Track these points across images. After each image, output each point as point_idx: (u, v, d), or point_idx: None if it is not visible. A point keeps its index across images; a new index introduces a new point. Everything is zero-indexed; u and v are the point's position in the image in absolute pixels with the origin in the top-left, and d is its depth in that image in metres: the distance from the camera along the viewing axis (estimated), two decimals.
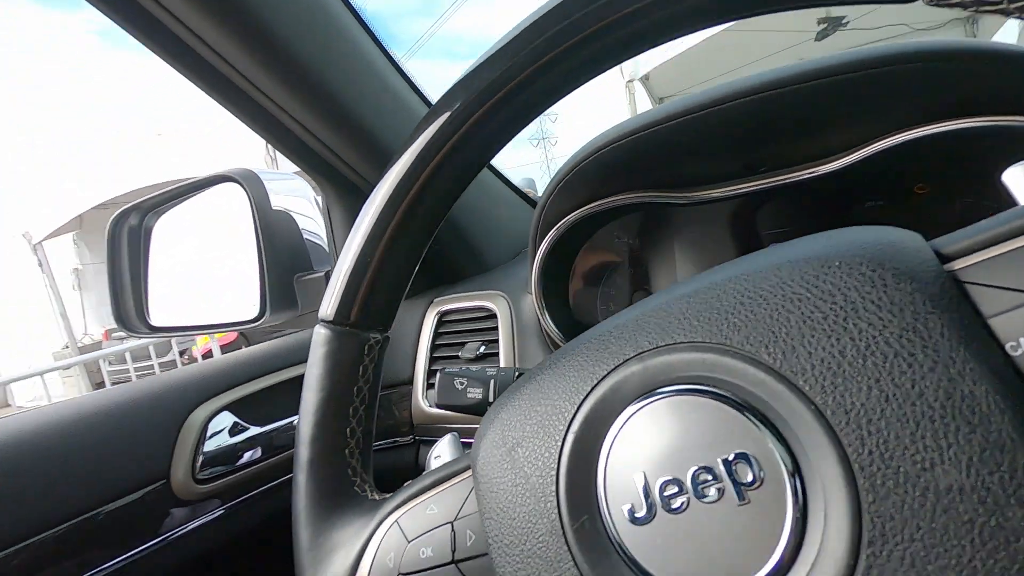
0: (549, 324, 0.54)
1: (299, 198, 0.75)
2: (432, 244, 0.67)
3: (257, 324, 0.70)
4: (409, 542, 0.27)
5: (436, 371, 0.63)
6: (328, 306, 0.32)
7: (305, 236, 0.78)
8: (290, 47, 0.45)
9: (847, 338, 0.18)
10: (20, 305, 7.36)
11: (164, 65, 0.52)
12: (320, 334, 0.32)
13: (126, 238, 0.78)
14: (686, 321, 0.21)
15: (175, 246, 0.80)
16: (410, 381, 0.64)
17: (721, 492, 0.19)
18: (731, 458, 0.19)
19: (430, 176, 0.30)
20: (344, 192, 0.68)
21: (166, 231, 0.80)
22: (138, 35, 0.45)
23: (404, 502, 0.29)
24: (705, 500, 0.19)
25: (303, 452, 0.31)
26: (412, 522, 0.28)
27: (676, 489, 0.20)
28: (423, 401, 0.62)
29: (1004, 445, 0.15)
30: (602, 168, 0.46)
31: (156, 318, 0.79)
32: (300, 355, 0.63)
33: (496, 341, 0.59)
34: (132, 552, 0.43)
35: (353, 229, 0.32)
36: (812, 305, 0.19)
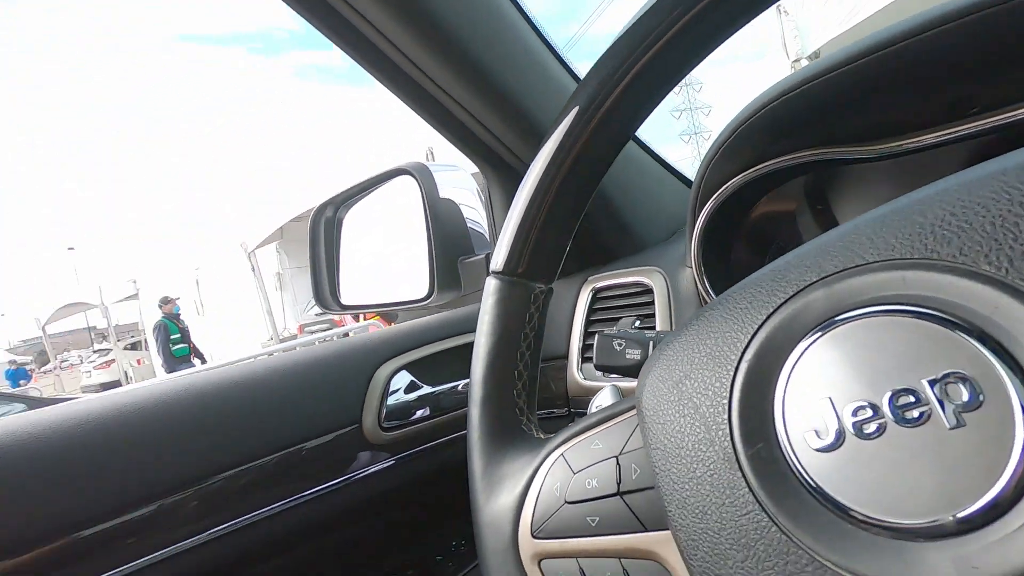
0: (710, 294, 0.52)
1: (463, 188, 0.82)
2: (586, 224, 0.68)
3: (426, 303, 0.77)
4: (575, 473, 0.28)
5: (591, 345, 0.64)
6: (498, 259, 0.35)
7: (468, 223, 0.84)
8: (456, 34, 0.50)
9: None
10: (238, 303, 8.87)
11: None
12: (492, 284, 0.35)
13: (323, 228, 0.91)
14: (880, 240, 0.20)
15: (360, 234, 0.91)
16: (565, 356, 0.66)
17: (926, 415, 0.17)
18: (940, 378, 0.17)
19: (586, 139, 0.32)
20: (504, 177, 0.72)
21: (354, 221, 0.91)
22: (326, 31, 0.52)
23: (569, 438, 0.30)
24: (906, 424, 0.17)
25: (476, 391, 0.34)
26: (577, 456, 0.29)
27: (869, 414, 0.18)
28: (578, 374, 0.64)
29: None
30: (771, 124, 0.43)
31: (345, 297, 0.91)
32: (464, 326, 0.68)
33: (652, 316, 0.58)
34: (327, 484, 0.51)
35: (518, 191, 0.34)
36: None
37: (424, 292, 0.77)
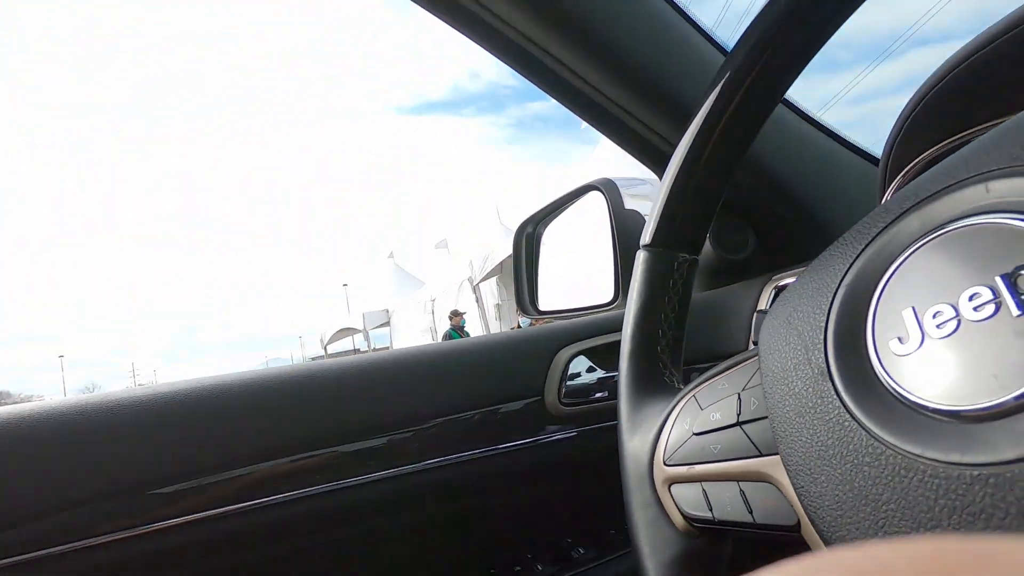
0: None
1: (646, 200, 0.87)
2: (769, 222, 0.69)
3: (611, 306, 0.83)
4: (702, 409, 0.31)
5: None
6: (647, 234, 0.40)
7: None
8: (599, 29, 0.54)
9: None
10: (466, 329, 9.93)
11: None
12: (640, 256, 0.40)
13: (524, 243, 1.04)
14: (974, 159, 0.21)
15: (555, 246, 1.02)
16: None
17: (998, 307, 0.18)
18: (1011, 271, 0.18)
19: (731, 113, 0.35)
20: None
21: (550, 236, 1.02)
22: (480, 41, 0.60)
23: (702, 383, 0.33)
24: (977, 319, 0.18)
25: (625, 346, 0.39)
26: (706, 395, 0.32)
27: (948, 316, 0.19)
28: None
29: None
30: (960, 91, 0.40)
31: (542, 304, 1.02)
32: None
33: None
34: (514, 443, 0.59)
35: (666, 171, 0.39)
36: None
37: (609, 297, 0.83)
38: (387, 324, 11.66)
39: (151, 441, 0.49)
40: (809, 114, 0.68)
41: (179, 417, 0.51)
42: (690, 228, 0.38)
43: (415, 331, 9.89)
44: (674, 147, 0.67)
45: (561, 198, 0.98)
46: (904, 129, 0.45)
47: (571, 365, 0.64)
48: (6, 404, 0.60)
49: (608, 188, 0.85)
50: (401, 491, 0.56)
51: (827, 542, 0.22)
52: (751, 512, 0.27)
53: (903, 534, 0.18)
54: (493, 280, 9.77)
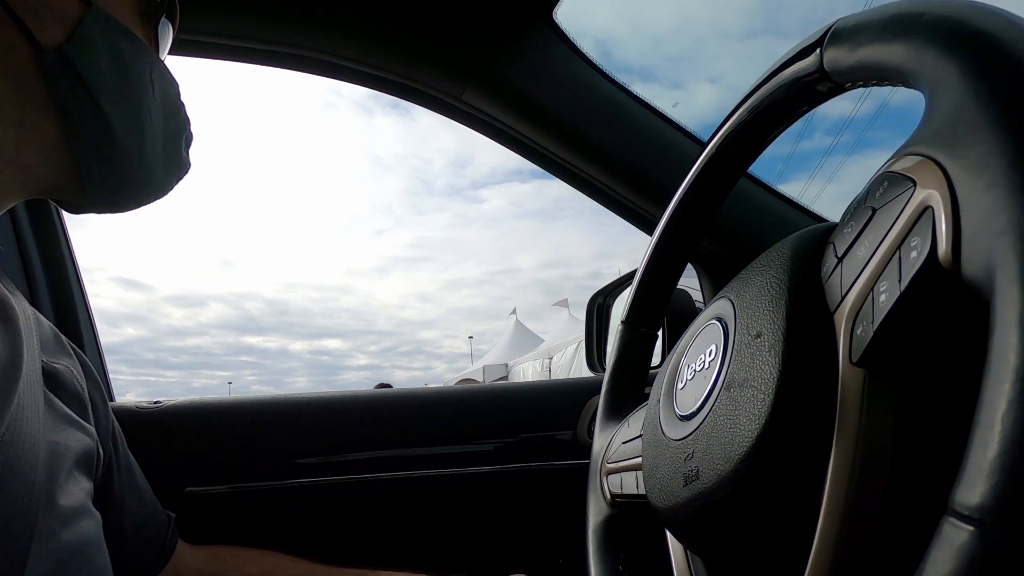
0: None
1: (694, 278, 1.03)
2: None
3: (657, 368, 0.99)
4: (629, 427, 0.49)
5: None
6: (623, 313, 0.59)
7: (699, 305, 1.04)
8: (584, 132, 0.74)
9: None
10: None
11: None
12: (618, 329, 0.58)
13: (595, 312, 1.23)
14: None
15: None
16: None
17: (705, 365, 0.35)
18: (718, 345, 0.35)
19: (697, 196, 0.50)
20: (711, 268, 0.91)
21: (617, 306, 1.21)
22: (502, 142, 0.83)
23: (634, 411, 0.51)
24: (697, 370, 0.36)
25: (602, 389, 0.57)
26: (633, 420, 0.49)
27: (694, 368, 0.37)
28: None
29: None
30: None
31: (608, 363, 1.20)
32: None
33: None
34: (551, 463, 0.78)
35: (640, 265, 0.58)
36: None
37: (658, 360, 1.00)
38: (505, 378, 12.04)
39: (300, 427, 0.77)
40: (768, 184, 0.83)
41: (318, 414, 0.78)
42: (650, 309, 0.57)
43: None
44: (650, 213, 0.83)
45: (626, 275, 1.17)
46: None
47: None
48: None
49: None
50: (459, 486, 0.77)
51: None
52: (637, 488, 0.44)
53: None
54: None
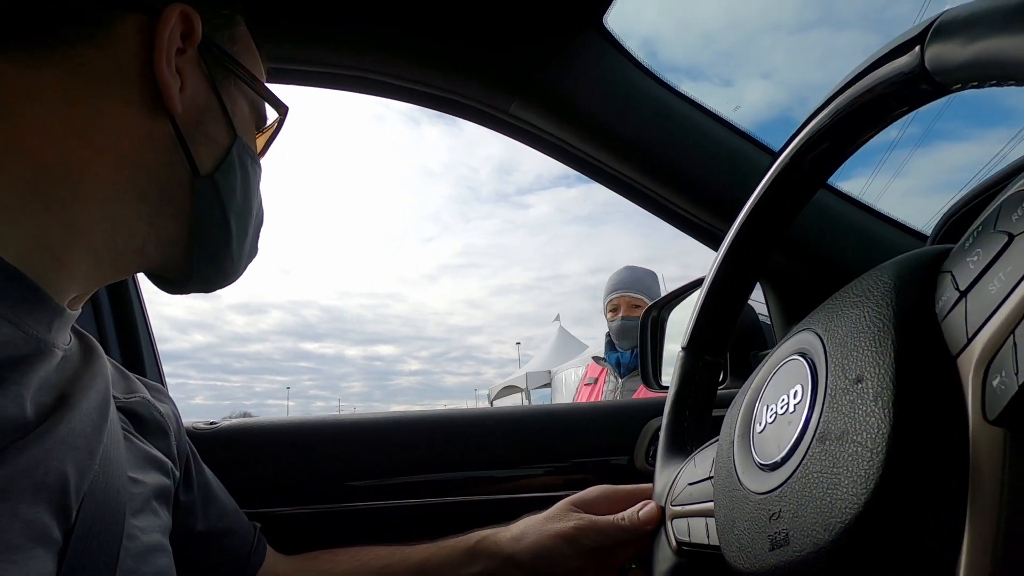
0: None
1: (759, 291, 0.97)
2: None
3: (720, 388, 0.93)
4: (695, 468, 0.45)
5: None
6: (684, 339, 0.54)
7: (761, 319, 0.98)
8: (648, 148, 0.70)
9: None
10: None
11: None
12: (679, 355, 0.54)
13: (649, 324, 1.18)
14: None
15: (675, 330, 1.14)
16: None
17: (786, 411, 0.31)
18: (804, 388, 0.31)
19: (766, 213, 0.45)
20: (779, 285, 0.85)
21: (672, 319, 1.15)
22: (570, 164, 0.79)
23: (700, 450, 0.46)
24: (780, 414, 0.32)
25: (664, 423, 0.53)
26: (700, 459, 0.45)
27: (773, 411, 0.32)
28: None
29: None
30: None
31: (663, 379, 1.14)
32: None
33: None
34: None
35: (700, 289, 0.53)
36: None
37: (719, 379, 0.94)
38: (548, 385, 11.95)
39: (351, 449, 0.76)
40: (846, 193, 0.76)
41: (369, 436, 0.77)
42: (715, 335, 0.52)
43: (573, 394, 9.98)
44: (713, 226, 0.77)
45: (682, 288, 1.12)
46: (957, 215, 0.52)
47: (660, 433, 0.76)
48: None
49: None
50: (510, 511, 0.74)
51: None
52: (708, 537, 0.40)
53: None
54: None
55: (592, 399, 2.01)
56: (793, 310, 0.90)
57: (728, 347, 0.53)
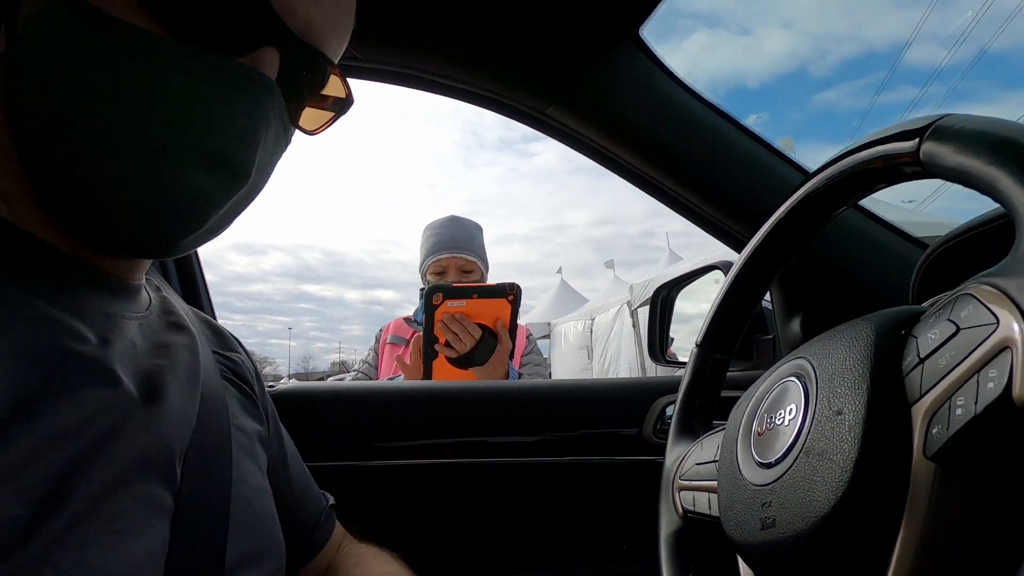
0: None
1: None
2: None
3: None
4: (702, 451, 0.54)
5: None
6: (698, 336, 0.63)
7: (764, 305, 1.06)
8: (682, 155, 0.78)
9: None
10: (619, 350, 10.03)
11: None
12: (692, 351, 0.63)
13: (659, 303, 1.27)
14: None
15: (682, 310, 1.23)
16: None
17: (784, 421, 0.40)
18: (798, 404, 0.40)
19: (787, 232, 0.54)
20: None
21: (679, 299, 1.24)
22: (607, 165, 0.86)
23: (707, 436, 0.56)
24: (778, 423, 0.41)
25: (676, 407, 0.62)
26: (706, 443, 0.55)
27: (773, 418, 0.41)
28: None
29: None
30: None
31: (668, 356, 1.24)
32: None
33: None
34: (618, 457, 0.84)
35: (720, 288, 0.61)
36: None
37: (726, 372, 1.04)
38: (547, 336, 12.18)
39: (378, 415, 0.86)
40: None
41: (393, 404, 0.87)
42: (727, 335, 0.60)
43: (572, 348, 10.19)
44: (736, 231, 0.85)
45: (690, 272, 1.20)
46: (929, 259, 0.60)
47: (667, 410, 0.86)
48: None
49: (727, 268, 1.05)
50: (534, 473, 0.85)
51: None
52: (710, 509, 0.50)
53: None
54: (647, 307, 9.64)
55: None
56: (794, 302, 0.98)
57: (737, 345, 0.61)
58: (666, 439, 0.65)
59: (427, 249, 1.54)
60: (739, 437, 0.45)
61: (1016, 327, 0.26)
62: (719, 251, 1.10)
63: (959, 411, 0.28)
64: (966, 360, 0.28)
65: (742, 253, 0.57)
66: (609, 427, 0.87)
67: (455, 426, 0.87)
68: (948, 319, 0.31)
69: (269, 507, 0.46)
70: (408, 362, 1.25)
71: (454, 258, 1.50)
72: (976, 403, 0.27)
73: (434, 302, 1.12)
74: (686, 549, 0.54)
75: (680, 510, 0.55)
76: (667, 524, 0.56)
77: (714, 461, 0.50)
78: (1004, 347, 0.26)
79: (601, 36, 0.74)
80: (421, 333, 1.28)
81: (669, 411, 0.87)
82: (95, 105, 0.31)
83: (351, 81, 0.78)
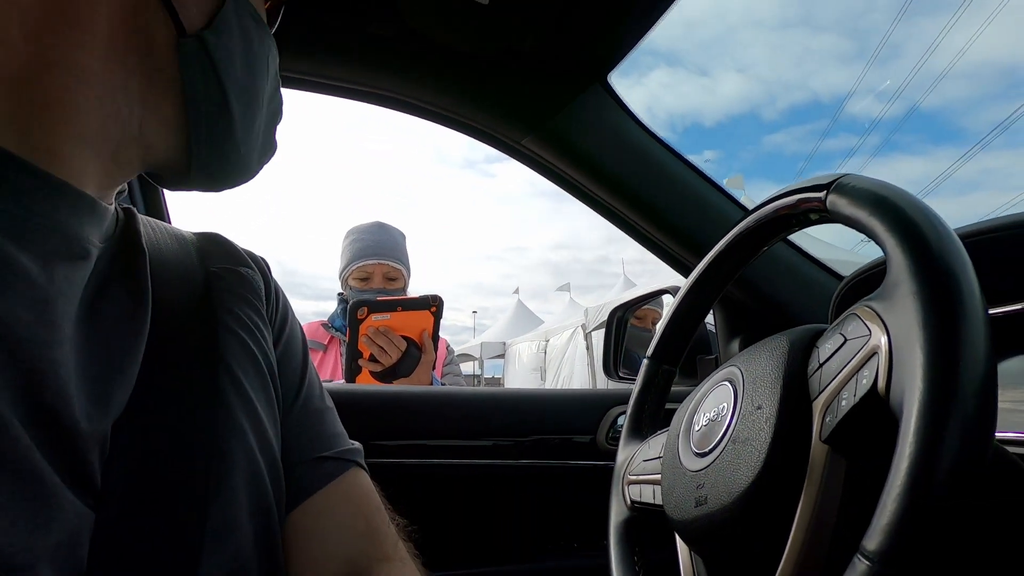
0: None
1: None
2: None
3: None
4: (650, 448, 0.62)
5: None
6: (649, 348, 0.71)
7: (708, 327, 1.17)
8: (631, 184, 0.88)
9: None
10: (572, 372, 10.19)
11: None
12: (643, 363, 0.71)
13: (614, 323, 1.36)
14: None
15: (634, 330, 1.32)
16: None
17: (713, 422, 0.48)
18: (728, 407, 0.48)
19: (729, 263, 0.63)
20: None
21: (633, 320, 1.33)
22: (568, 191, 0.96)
23: (654, 436, 0.63)
24: (708, 423, 0.48)
25: (628, 412, 0.70)
26: (653, 442, 0.62)
27: (708, 417, 0.49)
28: None
29: None
30: None
31: (621, 372, 1.33)
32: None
33: None
34: (571, 461, 0.91)
35: (670, 305, 0.70)
36: None
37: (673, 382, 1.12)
38: (502, 356, 12.22)
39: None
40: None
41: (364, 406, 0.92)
42: (674, 349, 0.69)
43: (526, 368, 10.28)
44: (684, 258, 0.95)
45: (645, 295, 1.30)
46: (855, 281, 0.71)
47: (619, 420, 0.94)
48: None
49: (676, 293, 1.15)
50: (495, 475, 0.91)
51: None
52: (654, 499, 0.57)
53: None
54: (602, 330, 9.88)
55: (321, 368, 1.49)
56: (734, 324, 1.09)
57: (683, 358, 0.70)
58: (617, 446, 0.72)
59: (351, 254, 1.47)
60: (680, 433, 0.53)
61: (883, 338, 0.34)
62: (670, 278, 1.20)
63: (844, 402, 0.36)
64: (849, 364, 0.37)
65: (688, 278, 0.65)
66: (564, 433, 0.94)
67: (420, 429, 0.92)
68: (840, 333, 0.39)
69: (249, 455, 0.41)
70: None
71: (380, 264, 1.45)
72: (855, 395, 0.35)
73: (359, 316, 1.10)
74: (633, 537, 0.61)
75: (628, 502, 0.62)
76: (616, 515, 0.63)
77: (659, 457, 0.58)
78: (873, 353, 0.35)
79: (575, 79, 0.83)
80: (340, 340, 1.29)
81: (621, 420, 0.95)
82: (251, 79, 0.40)
83: (342, 103, 0.83)
